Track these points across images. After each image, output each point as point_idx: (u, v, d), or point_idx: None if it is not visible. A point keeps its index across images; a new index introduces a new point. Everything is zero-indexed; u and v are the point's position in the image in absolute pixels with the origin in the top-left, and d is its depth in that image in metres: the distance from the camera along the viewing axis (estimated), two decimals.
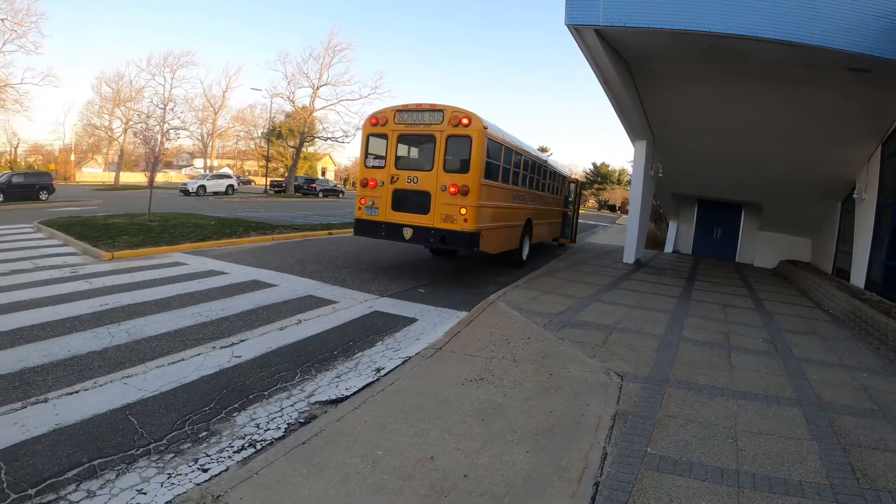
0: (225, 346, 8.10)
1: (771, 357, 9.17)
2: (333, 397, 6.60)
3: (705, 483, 4.86)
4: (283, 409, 6.26)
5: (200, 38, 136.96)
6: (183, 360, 7.48)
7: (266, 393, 6.64)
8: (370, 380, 7.15)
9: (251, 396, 6.50)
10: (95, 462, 4.90)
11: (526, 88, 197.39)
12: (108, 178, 76.14)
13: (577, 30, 13.21)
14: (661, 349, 8.99)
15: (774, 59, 13.20)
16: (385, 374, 7.26)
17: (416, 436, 5.43)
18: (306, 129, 65.39)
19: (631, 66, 15.69)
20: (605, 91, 16.68)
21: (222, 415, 5.99)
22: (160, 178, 75.74)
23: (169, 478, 4.77)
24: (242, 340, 8.44)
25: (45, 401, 6.00)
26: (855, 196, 17.74)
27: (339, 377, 7.28)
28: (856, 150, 17.22)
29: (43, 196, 37.44)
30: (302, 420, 5.96)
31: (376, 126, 14.20)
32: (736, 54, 13.25)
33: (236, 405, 6.25)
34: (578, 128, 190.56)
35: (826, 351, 9.99)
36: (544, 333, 9.37)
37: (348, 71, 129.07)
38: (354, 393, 6.64)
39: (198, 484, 4.64)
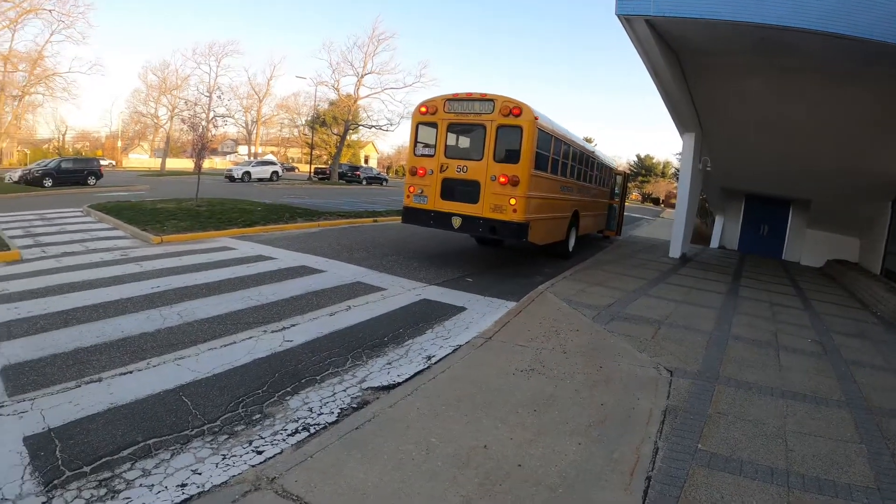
0: (276, 331, 8.26)
1: (819, 358, 9.09)
2: (385, 383, 6.71)
3: (755, 482, 4.88)
4: (335, 393, 6.37)
5: (245, 27, 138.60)
6: (235, 343, 7.65)
7: (318, 377, 6.76)
8: (421, 367, 7.26)
9: (303, 380, 6.64)
10: (150, 441, 5.04)
11: (569, 79, 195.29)
12: (154, 164, 77.63)
13: (627, 20, 13.06)
14: (709, 345, 8.97)
15: (827, 54, 12.88)
16: (436, 362, 7.36)
17: (468, 424, 5.53)
18: (350, 117, 65.54)
19: (681, 57, 15.46)
20: (654, 82, 16.52)
21: (275, 398, 6.12)
22: (205, 164, 76.70)
23: (223, 459, 4.88)
24: (293, 325, 8.60)
25: (100, 380, 6.20)
26: None
27: (390, 364, 7.39)
28: None
29: (91, 181, 38.30)
30: (355, 405, 6.08)
31: (426, 115, 14.22)
32: (788, 48, 12.96)
33: (289, 389, 6.38)
34: (622, 120, 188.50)
35: (874, 354, 9.88)
36: (593, 326, 9.40)
37: (392, 59, 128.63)
38: (406, 380, 6.76)
39: (253, 466, 4.76)
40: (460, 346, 8.04)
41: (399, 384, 6.62)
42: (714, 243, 31.05)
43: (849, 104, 15.46)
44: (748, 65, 14.86)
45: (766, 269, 21.47)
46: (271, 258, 13.55)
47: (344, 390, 6.47)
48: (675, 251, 21.30)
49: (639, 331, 9.36)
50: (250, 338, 7.88)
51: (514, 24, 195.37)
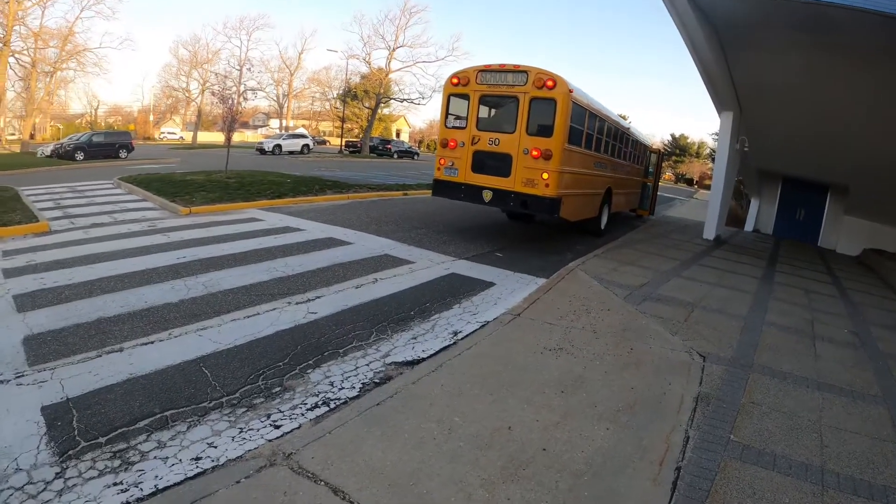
0: (300, 303, 8.19)
1: (856, 350, 8.82)
2: (409, 359, 6.59)
3: (789, 478, 4.69)
4: (357, 368, 6.27)
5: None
6: (258, 314, 7.59)
7: (341, 351, 6.67)
8: (447, 343, 7.12)
9: (326, 354, 6.55)
10: (167, 413, 5.00)
11: (604, 61, 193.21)
12: (186, 137, 78.04)
13: None
14: (744, 331, 8.73)
15: (872, 33, 12.39)
16: (462, 339, 7.23)
17: (493, 403, 5.39)
18: (382, 91, 65.77)
19: (720, 32, 15.13)
20: (692, 58, 16.25)
21: (296, 371, 6.05)
22: (237, 137, 77.13)
23: (240, 432, 4.82)
24: (318, 297, 8.52)
25: (121, 350, 6.18)
26: None
27: (415, 339, 7.27)
28: None
29: (122, 154, 39.18)
30: (377, 381, 5.97)
31: (458, 86, 13.97)
32: (832, 25, 12.57)
33: (311, 362, 6.30)
34: (658, 98, 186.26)
35: None
36: (625, 306, 9.20)
37: (424, 33, 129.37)
38: (431, 356, 6.63)
39: (269, 440, 4.69)
40: (488, 322, 7.90)
41: (423, 360, 6.50)
42: (749, 226, 30.61)
43: (892, 88, 14.94)
44: (790, 42, 14.46)
45: (801, 255, 21.08)
46: (299, 230, 13.50)
47: (367, 364, 6.37)
48: (710, 233, 20.96)
49: (671, 313, 9.14)
50: (274, 309, 7.82)
51: (553, 2, 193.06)
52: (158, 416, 4.93)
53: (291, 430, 4.86)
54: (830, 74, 15.63)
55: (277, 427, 4.93)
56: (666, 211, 34.20)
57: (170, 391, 5.36)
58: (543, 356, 6.69)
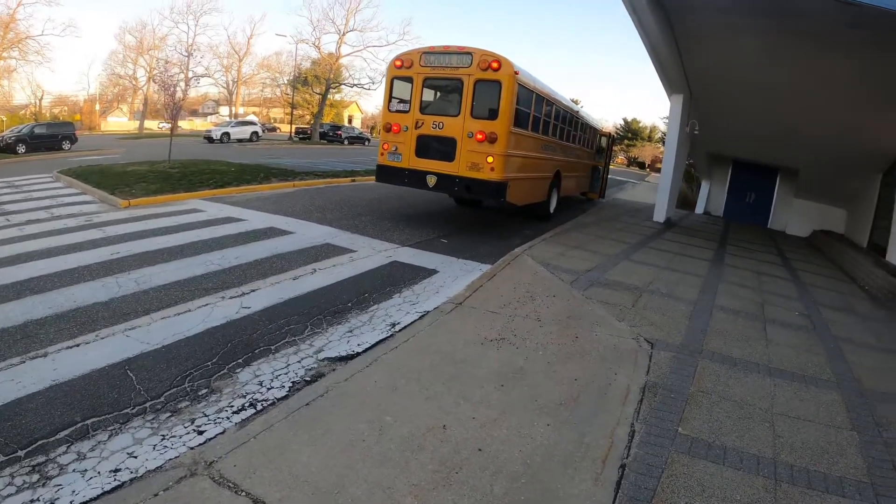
0: (234, 297, 7.78)
1: (808, 333, 8.71)
2: (343, 354, 6.23)
3: (740, 472, 4.46)
4: (289, 365, 5.91)
5: None
6: (189, 311, 7.18)
7: (273, 347, 6.29)
8: (384, 335, 6.77)
9: (257, 351, 6.17)
10: (89, 421, 4.66)
11: (559, 40, 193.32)
12: (134, 126, 76.21)
13: None
14: (693, 316, 8.53)
15: (825, 17, 12.43)
16: (400, 330, 6.87)
17: (428, 400, 5.05)
18: (332, 76, 65.10)
19: (671, 14, 14.96)
20: (642, 41, 16.06)
21: (225, 371, 5.68)
22: (185, 125, 75.82)
23: (162, 440, 4.48)
24: (253, 290, 8.11)
25: (45, 355, 5.78)
26: None
27: (351, 331, 6.90)
28: None
29: (66, 146, 38.27)
30: (308, 378, 5.61)
31: (401, 69, 13.62)
32: (787, 8, 12.52)
33: (240, 360, 5.93)
34: (610, 82, 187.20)
35: (864, 331, 9.54)
36: (571, 292, 8.92)
37: (375, 17, 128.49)
38: (366, 350, 6.27)
39: (192, 448, 4.35)
40: (428, 312, 7.55)
41: (358, 354, 6.13)
42: (699, 209, 30.73)
43: (845, 73, 15.06)
44: (744, 25, 14.37)
45: (751, 237, 21.14)
46: (240, 220, 13.01)
47: (299, 361, 6.00)
48: (660, 215, 20.93)
49: (619, 298, 8.89)
50: (206, 305, 7.40)
51: None
52: (80, 425, 4.59)
53: (215, 436, 4.51)
54: (785, 59, 15.62)
55: (201, 433, 4.59)
56: (617, 194, 34.07)
57: (93, 398, 5.00)
58: (484, 347, 6.35)
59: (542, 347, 6.51)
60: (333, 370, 5.71)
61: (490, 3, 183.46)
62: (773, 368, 6.85)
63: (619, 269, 11.06)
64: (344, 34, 63.77)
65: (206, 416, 4.84)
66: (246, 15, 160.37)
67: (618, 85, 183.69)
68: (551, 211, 17.36)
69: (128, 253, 9.70)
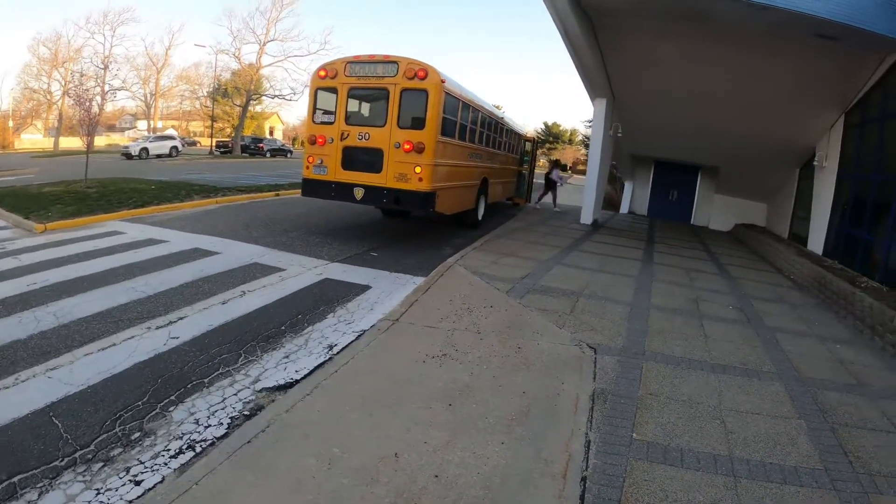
0: (161, 326, 7.27)
1: (743, 326, 8.87)
2: (282, 382, 5.89)
3: (699, 473, 4.43)
4: (225, 399, 5.52)
5: None
6: (114, 344, 6.63)
7: (206, 380, 5.87)
8: (322, 359, 6.46)
9: (189, 385, 5.74)
10: (15, 479, 4.17)
11: (480, 44, 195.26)
12: (49, 144, 73.11)
13: None
14: (631, 317, 8.52)
15: (742, 22, 12.85)
16: (338, 353, 6.56)
17: (376, 427, 4.79)
18: (252, 87, 64.11)
19: (594, 20, 15.17)
20: (566, 46, 16.25)
21: (157, 410, 5.23)
22: (103, 141, 73.46)
23: (97, 494, 4.07)
24: (181, 318, 7.61)
25: None
26: (815, 164, 17.69)
27: (287, 357, 6.55)
28: (818, 119, 17.10)
29: None
30: (247, 412, 5.25)
31: (325, 79, 13.27)
32: (703, 14, 12.87)
33: (173, 397, 5.48)
34: (530, 88, 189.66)
35: (796, 320, 9.80)
36: (508, 301, 8.78)
37: (296, 26, 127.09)
38: (305, 376, 5.94)
39: (130, 502, 3.98)
40: (364, 331, 7.28)
41: (297, 382, 5.80)
42: (624, 209, 31.17)
43: (762, 74, 15.57)
44: (663, 31, 14.75)
45: (677, 234, 21.54)
46: (163, 241, 12.37)
47: (235, 394, 5.62)
48: (587, 217, 21.12)
49: (556, 304, 8.81)
50: (132, 337, 6.86)
51: None
52: (5, 483, 4.10)
53: (154, 486, 4.13)
54: (704, 62, 16.04)
55: (139, 483, 4.19)
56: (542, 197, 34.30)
57: (18, 451, 4.49)
58: (427, 365, 6.13)
59: (486, 361, 6.33)
60: (273, 401, 5.38)
61: (413, 11, 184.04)
62: (716, 364, 6.91)
63: (553, 274, 10.99)
64: (265, 44, 62.96)
65: (141, 462, 4.45)
66: (164, 25, 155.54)
67: (538, 90, 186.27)
68: (480, 218, 17.29)
69: (45, 283, 8.98)
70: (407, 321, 7.49)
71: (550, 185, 26.82)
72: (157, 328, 7.20)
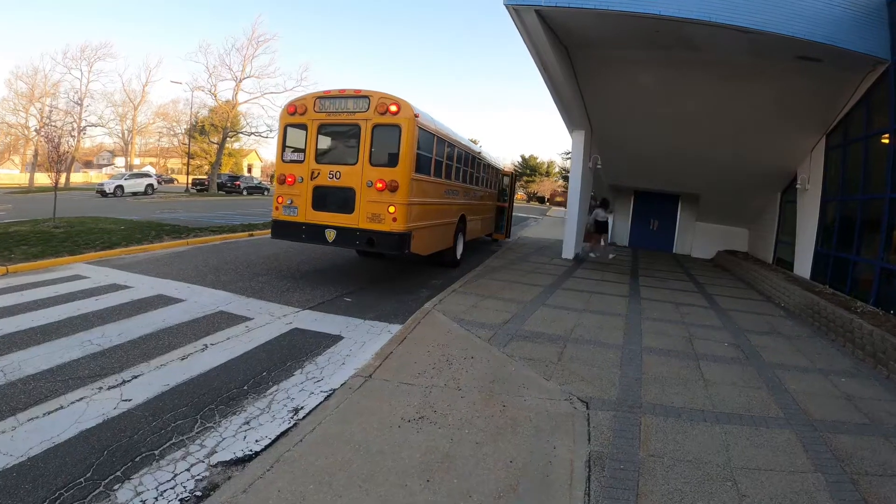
0: (114, 386, 6.54)
1: (742, 365, 8.38)
2: (240, 454, 5.18)
3: None
4: (176, 476, 4.80)
5: (119, 27, 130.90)
6: (62, 407, 5.90)
7: (157, 452, 5.14)
8: (286, 425, 5.77)
9: (138, 458, 5.01)
10: None
11: (456, 77, 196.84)
12: (26, 179, 72.15)
13: (516, 10, 12.46)
14: (623, 363, 7.95)
15: (723, 47, 12.83)
16: (304, 417, 5.87)
17: None
18: (229, 124, 63.77)
19: (571, 52, 15.04)
20: (543, 78, 16.09)
21: (101, 488, 4.53)
22: (80, 178, 72.45)
23: None
24: (135, 377, 6.88)
25: None
26: (798, 187, 17.82)
27: (248, 423, 5.84)
28: (799, 142, 17.13)
29: None
30: (199, 493, 4.54)
31: (294, 115, 12.76)
32: (683, 41, 12.77)
33: (119, 472, 4.77)
34: (505, 120, 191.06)
35: (794, 353, 9.40)
36: (490, 350, 8.17)
37: (273, 63, 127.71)
38: (266, 447, 5.25)
39: None
40: (335, 390, 6.58)
41: (257, 454, 5.12)
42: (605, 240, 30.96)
43: (742, 99, 15.56)
44: (641, 60, 14.70)
45: (660, 265, 21.23)
46: (126, 287, 11.65)
47: (188, 469, 4.90)
48: (569, 252, 20.84)
49: (542, 352, 8.23)
50: (81, 399, 6.14)
51: (406, 26, 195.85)
52: None
53: None
54: (683, 90, 16.02)
55: None
56: (522, 231, 33.93)
57: None
58: (402, 431, 5.46)
59: (468, 423, 5.69)
60: (229, 478, 4.71)
61: (390, 45, 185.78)
62: (720, 413, 6.38)
63: (537, 317, 10.44)
64: (241, 81, 62.69)
65: None
66: (141, 61, 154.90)
67: (513, 123, 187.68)
68: (458, 257, 16.79)
69: None
70: (381, 377, 6.84)
71: (601, 227, 22.26)
72: (110, 388, 6.48)
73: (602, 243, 22.21)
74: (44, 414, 5.73)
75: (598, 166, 21.88)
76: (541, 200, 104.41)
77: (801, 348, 9.74)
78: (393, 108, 11.80)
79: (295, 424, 5.74)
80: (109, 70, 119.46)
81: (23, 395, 6.12)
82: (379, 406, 6.02)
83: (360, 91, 12.25)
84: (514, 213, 27.91)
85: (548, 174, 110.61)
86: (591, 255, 21.65)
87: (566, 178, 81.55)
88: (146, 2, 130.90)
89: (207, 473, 4.84)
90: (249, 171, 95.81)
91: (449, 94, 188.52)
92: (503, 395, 6.49)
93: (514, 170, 35.55)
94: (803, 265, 16.52)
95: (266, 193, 64.27)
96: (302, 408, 6.21)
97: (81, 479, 4.62)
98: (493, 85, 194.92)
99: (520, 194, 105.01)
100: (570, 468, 4.87)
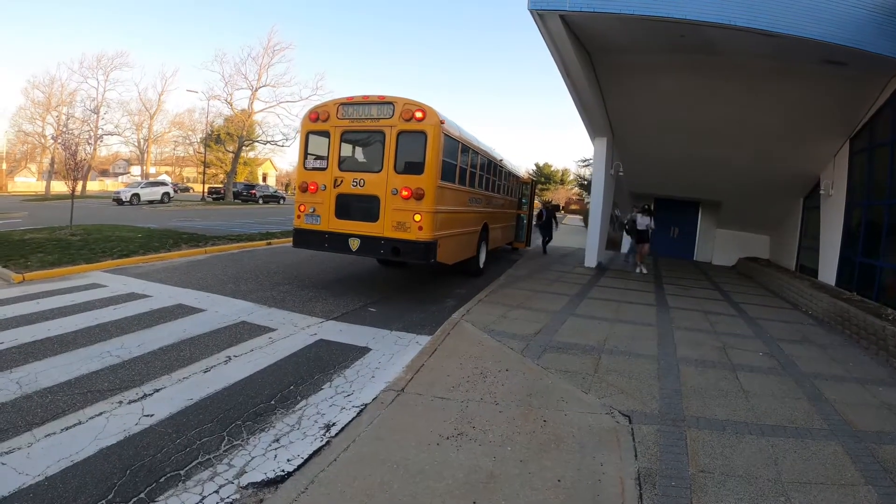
0: (134, 400, 6.30)
1: (780, 375, 8.16)
2: (272, 475, 4.90)
3: None
4: (204, 499, 4.52)
5: (135, 37, 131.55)
6: (80, 423, 5.65)
7: (183, 472, 4.88)
8: (319, 443, 5.51)
9: (163, 479, 4.74)
10: None
11: (471, 87, 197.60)
12: (43, 187, 72.53)
13: (540, 16, 12.30)
14: (661, 374, 7.73)
15: (746, 51, 12.68)
16: (337, 434, 5.63)
17: None
18: (245, 133, 64.00)
19: (594, 57, 14.92)
20: (566, 84, 15.93)
21: None
22: (96, 186, 72.69)
23: None
24: (157, 390, 6.65)
25: None
26: (821, 192, 17.59)
27: (277, 440, 5.57)
28: (823, 146, 16.93)
29: None
30: None
31: (317, 122, 12.61)
32: (706, 45, 12.63)
33: (143, 495, 4.50)
34: (520, 128, 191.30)
35: (829, 362, 9.20)
36: (524, 362, 7.95)
37: (288, 72, 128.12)
38: (299, 467, 5.00)
39: None
40: (366, 405, 6.35)
41: (289, 475, 4.87)
42: (625, 248, 30.72)
43: (765, 104, 15.41)
44: (664, 64, 14.56)
45: (683, 272, 21.09)
46: (145, 296, 11.48)
47: (216, 491, 4.62)
48: (591, 260, 20.63)
49: (578, 364, 8.01)
50: (101, 413, 5.89)
51: (418, 33, 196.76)
52: None
53: None
54: (706, 95, 15.86)
55: None
56: (540, 240, 33.64)
57: None
58: (441, 449, 5.24)
59: (510, 440, 5.46)
60: (261, 501, 4.47)
61: (406, 53, 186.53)
62: (764, 426, 6.18)
63: (567, 327, 10.23)
64: (256, 90, 63.04)
65: None
66: (157, 70, 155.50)
67: (528, 130, 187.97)
68: (481, 266, 16.62)
69: (14, 343, 8.02)
70: (414, 391, 6.64)
71: (642, 236, 20.90)
72: (130, 402, 6.24)
73: (639, 254, 20.96)
74: (62, 430, 5.50)
75: (620, 173, 21.73)
76: (556, 208, 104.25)
77: (835, 357, 9.55)
78: (418, 115, 11.64)
79: (328, 442, 5.49)
80: (126, 79, 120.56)
81: (39, 409, 5.91)
82: (414, 422, 5.80)
83: (384, 97, 12.08)
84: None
85: (562, 182, 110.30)
86: (639, 270, 20.15)
87: (582, 186, 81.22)
88: (162, 12, 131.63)
89: (238, 496, 4.58)
90: (264, 179, 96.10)
91: (468, 98, 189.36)
92: (543, 409, 6.27)
93: (532, 178, 35.36)
94: (828, 272, 16.31)
95: (282, 202, 64.62)
96: (334, 424, 5.98)
97: (103, 502, 4.39)
98: (513, 91, 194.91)
99: (535, 202, 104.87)
100: (621, 486, 4.65)
